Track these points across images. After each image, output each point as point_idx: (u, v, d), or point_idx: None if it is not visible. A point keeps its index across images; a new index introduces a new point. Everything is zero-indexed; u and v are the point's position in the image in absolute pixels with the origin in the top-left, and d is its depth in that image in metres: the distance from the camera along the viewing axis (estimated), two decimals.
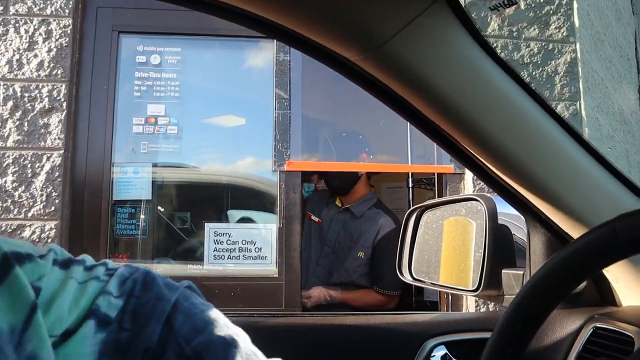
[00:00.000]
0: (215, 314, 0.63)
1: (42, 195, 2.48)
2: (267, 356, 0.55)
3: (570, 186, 0.78)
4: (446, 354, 0.95)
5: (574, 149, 0.76)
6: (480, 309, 2.59)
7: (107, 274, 0.60)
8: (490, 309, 2.59)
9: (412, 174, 3.32)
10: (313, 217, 2.91)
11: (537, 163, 0.77)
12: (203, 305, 0.63)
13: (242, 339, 0.62)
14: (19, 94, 2.54)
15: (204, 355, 0.58)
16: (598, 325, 0.82)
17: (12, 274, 0.51)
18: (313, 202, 3.00)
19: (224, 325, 0.62)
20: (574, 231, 0.83)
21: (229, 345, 0.60)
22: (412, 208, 1.34)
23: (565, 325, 0.89)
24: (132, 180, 2.63)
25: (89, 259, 0.61)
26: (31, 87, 2.55)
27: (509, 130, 0.73)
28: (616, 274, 0.85)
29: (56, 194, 2.49)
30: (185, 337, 0.59)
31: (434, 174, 2.98)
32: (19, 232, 2.44)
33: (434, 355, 0.94)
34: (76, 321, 0.55)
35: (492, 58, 0.69)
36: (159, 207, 2.66)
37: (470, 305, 2.67)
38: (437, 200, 1.33)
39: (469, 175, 2.76)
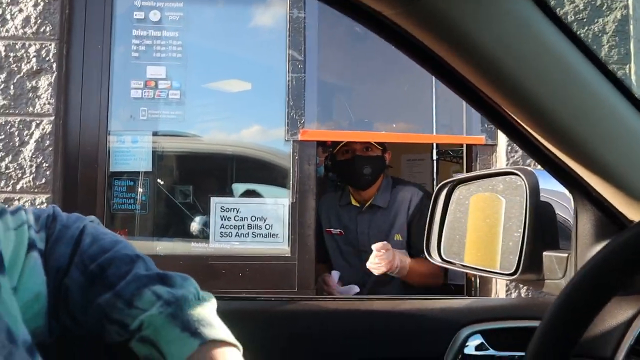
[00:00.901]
0: (122, 239, 0.77)
1: (31, 166, 2.49)
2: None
3: (627, 158, 0.76)
4: (482, 343, 0.95)
5: (633, 116, 0.73)
6: (511, 294, 2.59)
7: (27, 215, 0.78)
8: (522, 295, 2.59)
9: (437, 144, 3.31)
10: (333, 231, 2.77)
11: (590, 131, 0.74)
12: (111, 233, 0.78)
13: (148, 259, 0.75)
14: (3, 54, 2.54)
15: (107, 269, 0.72)
16: None
17: None
18: (322, 212, 2.83)
19: (130, 246, 0.76)
20: (631, 211, 0.81)
21: (133, 260, 0.74)
22: (442, 182, 1.33)
23: (617, 314, 0.89)
24: (131, 150, 2.64)
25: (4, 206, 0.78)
26: (17, 46, 2.54)
27: (560, 94, 0.71)
28: None
29: (47, 164, 2.50)
30: (91, 256, 0.74)
31: (462, 145, 2.97)
32: (7, 206, 2.46)
33: (468, 345, 0.94)
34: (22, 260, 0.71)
35: (544, 13, 0.67)
36: (160, 180, 2.68)
37: (499, 290, 2.68)
38: (470, 174, 1.32)
39: (502, 147, 2.74)
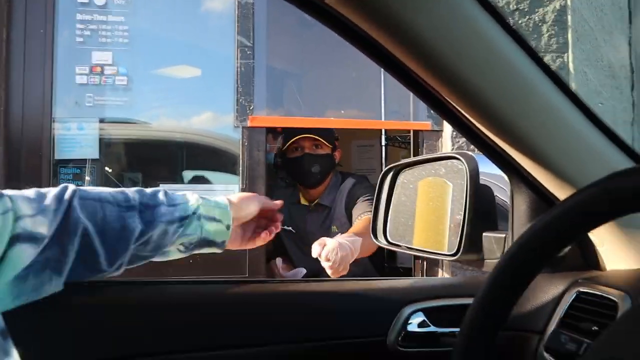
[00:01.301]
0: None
1: None
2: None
3: (558, 144, 0.79)
4: (424, 320, 0.98)
5: (565, 105, 0.77)
6: (457, 275, 2.65)
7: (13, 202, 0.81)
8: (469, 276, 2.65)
9: (385, 130, 3.34)
10: (286, 228, 2.72)
11: (524, 118, 0.77)
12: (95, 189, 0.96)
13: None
14: None
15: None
16: (581, 289, 0.85)
17: None
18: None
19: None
20: (561, 192, 0.85)
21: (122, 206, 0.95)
22: (387, 167, 1.35)
23: (548, 289, 0.92)
24: (76, 137, 2.58)
25: None
26: None
27: (495, 82, 0.73)
28: (602, 237, 0.88)
29: None
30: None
31: (409, 131, 3.00)
32: None
33: (411, 322, 0.97)
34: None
35: (479, 2, 0.69)
36: (107, 168, 2.63)
37: (446, 272, 2.73)
38: (414, 158, 1.35)
39: (447, 132, 2.78)
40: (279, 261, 2.65)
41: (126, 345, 0.89)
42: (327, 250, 1.88)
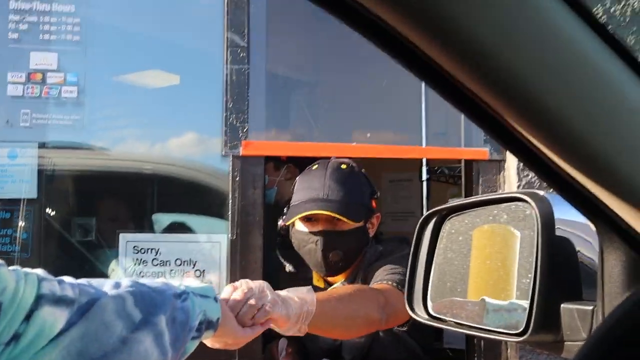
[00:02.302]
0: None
1: None
2: None
3: None
4: None
5: None
6: None
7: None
8: None
9: (427, 161, 3.35)
10: None
11: (619, 147, 0.76)
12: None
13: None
14: None
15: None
16: None
17: None
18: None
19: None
20: None
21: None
22: (428, 212, 1.34)
23: None
24: (7, 168, 2.60)
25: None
26: None
27: (579, 97, 0.72)
28: None
29: None
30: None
31: (459, 161, 3.02)
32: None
33: None
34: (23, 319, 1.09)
35: None
36: (49, 210, 2.64)
37: (512, 357, 2.69)
38: (466, 200, 1.34)
39: (511, 163, 2.78)
40: (282, 344, 2.61)
41: None
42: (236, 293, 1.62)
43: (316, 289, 2.39)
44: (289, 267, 2.83)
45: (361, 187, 2.54)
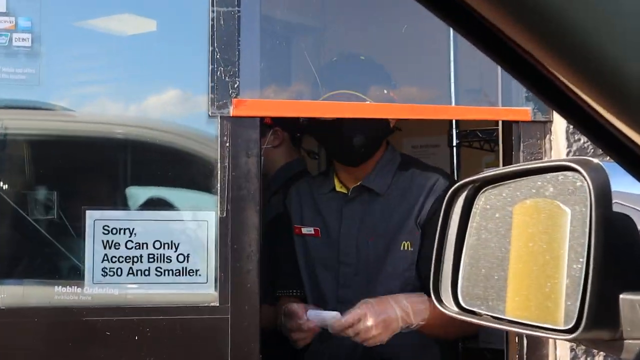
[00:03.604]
0: None
1: None
2: None
3: None
4: None
5: None
6: None
7: None
8: None
9: (457, 122, 3.32)
10: (305, 230, 2.95)
11: None
12: None
13: None
14: None
15: None
16: None
17: None
18: (292, 205, 3.05)
19: None
20: None
21: None
22: (458, 184, 1.33)
23: None
24: None
25: None
26: None
27: None
28: None
29: None
30: None
31: (496, 122, 3.08)
32: None
33: None
34: None
35: None
36: (0, 183, 2.63)
37: (562, 357, 2.70)
38: (503, 170, 1.34)
39: (559, 124, 2.77)
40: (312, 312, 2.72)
41: None
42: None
43: (339, 194, 2.93)
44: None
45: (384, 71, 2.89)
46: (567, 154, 2.69)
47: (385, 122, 2.83)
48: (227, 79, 2.64)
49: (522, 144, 2.79)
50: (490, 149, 3.88)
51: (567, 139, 2.72)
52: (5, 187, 2.62)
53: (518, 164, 2.60)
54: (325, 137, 2.95)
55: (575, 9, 0.72)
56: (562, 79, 0.80)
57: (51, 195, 2.62)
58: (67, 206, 2.62)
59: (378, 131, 2.83)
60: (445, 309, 1.29)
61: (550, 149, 2.79)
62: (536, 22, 0.73)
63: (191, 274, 2.62)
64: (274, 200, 3.25)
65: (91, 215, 2.59)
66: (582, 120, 0.85)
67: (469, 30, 0.81)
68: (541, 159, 2.76)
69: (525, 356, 2.74)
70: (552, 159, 2.68)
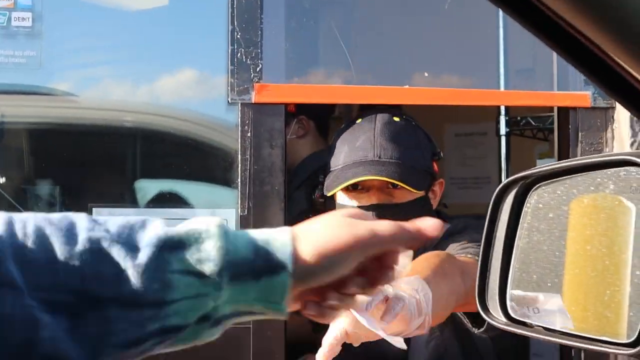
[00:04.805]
0: None
1: None
2: None
3: None
4: None
5: None
6: None
7: None
8: None
9: (506, 109, 3.33)
10: None
11: None
12: None
13: None
14: None
15: None
16: None
17: None
18: None
19: None
20: None
21: None
22: (508, 180, 1.35)
23: None
24: None
25: None
26: None
27: None
28: None
29: None
30: None
31: (551, 109, 3.12)
32: None
33: None
34: None
35: None
36: None
37: None
38: (558, 164, 1.43)
39: (623, 111, 2.73)
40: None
41: None
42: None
43: None
44: None
45: (420, 146, 2.57)
46: (632, 145, 2.67)
47: (425, 203, 2.54)
48: (248, 61, 2.65)
49: (580, 133, 2.78)
50: (544, 138, 3.87)
51: (632, 127, 2.70)
52: (3, 180, 2.65)
53: (574, 159, 2.56)
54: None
55: None
56: (624, 65, 0.81)
57: (54, 190, 2.66)
58: (71, 202, 2.64)
59: (417, 215, 2.59)
60: (493, 320, 1.29)
61: (613, 138, 2.77)
62: (598, 7, 0.74)
63: None
64: (297, 196, 3.21)
65: (98, 213, 2.59)
66: None
67: (525, 17, 0.83)
68: (602, 150, 2.75)
69: None
70: (614, 152, 2.66)
